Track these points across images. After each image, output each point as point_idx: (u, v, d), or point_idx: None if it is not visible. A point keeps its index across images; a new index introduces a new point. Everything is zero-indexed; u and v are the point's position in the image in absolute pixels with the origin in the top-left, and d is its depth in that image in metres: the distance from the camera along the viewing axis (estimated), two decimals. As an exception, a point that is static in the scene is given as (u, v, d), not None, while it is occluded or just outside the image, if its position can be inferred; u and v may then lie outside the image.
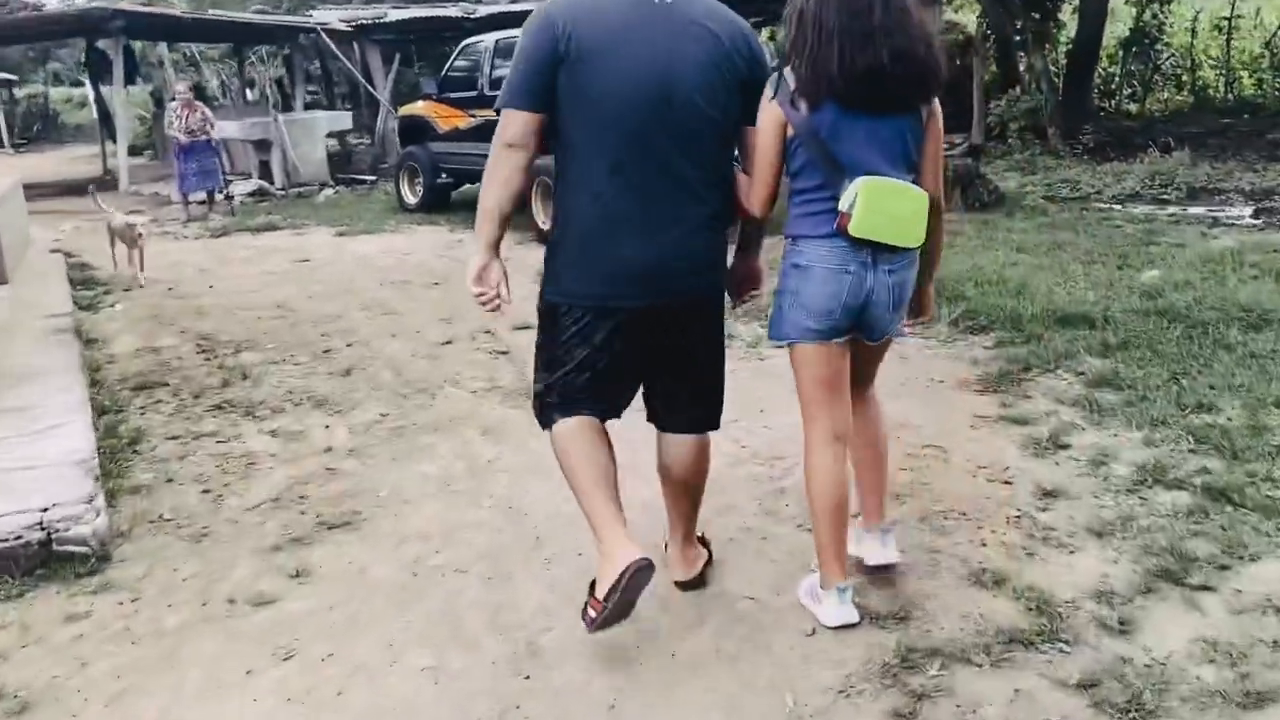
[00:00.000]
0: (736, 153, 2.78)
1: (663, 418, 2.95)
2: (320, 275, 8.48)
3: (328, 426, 4.65)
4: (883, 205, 2.56)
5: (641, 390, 2.94)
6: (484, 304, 2.71)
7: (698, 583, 3.05)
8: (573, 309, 2.72)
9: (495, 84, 9.80)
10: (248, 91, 21.64)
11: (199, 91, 16.24)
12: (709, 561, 3.13)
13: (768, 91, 2.65)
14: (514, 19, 13.98)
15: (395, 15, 16.37)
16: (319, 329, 6.51)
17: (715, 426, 2.97)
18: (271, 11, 19.96)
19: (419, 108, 11.93)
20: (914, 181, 2.66)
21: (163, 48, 21.32)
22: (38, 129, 33.48)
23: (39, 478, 3.64)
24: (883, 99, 2.58)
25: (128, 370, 5.65)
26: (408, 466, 4.14)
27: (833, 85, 2.54)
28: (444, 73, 11.69)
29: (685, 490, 2.99)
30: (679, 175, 2.64)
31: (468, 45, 11.50)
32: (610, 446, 2.81)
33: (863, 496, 3.06)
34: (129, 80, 17.08)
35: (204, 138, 12.29)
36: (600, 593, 2.61)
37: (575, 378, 2.76)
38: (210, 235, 11.07)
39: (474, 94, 10.61)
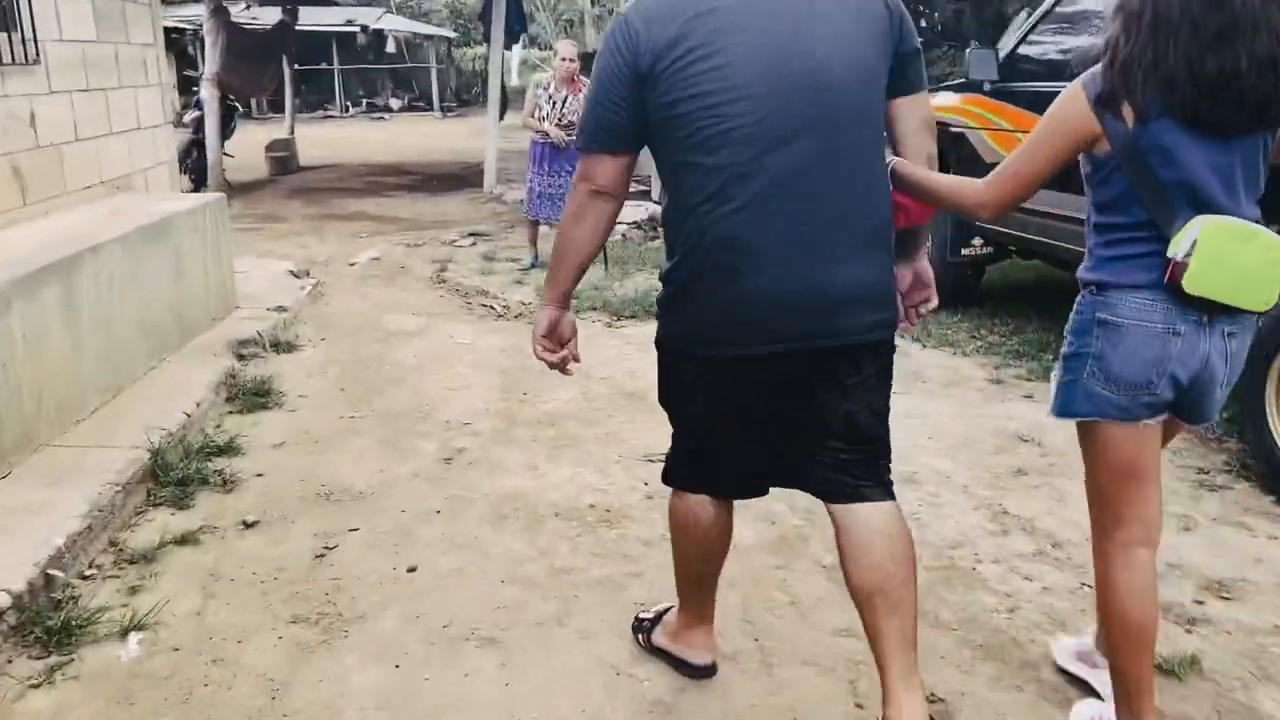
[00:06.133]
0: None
1: (828, 483, 2.27)
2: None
3: None
4: (1227, 256, 1.98)
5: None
6: (553, 366, 2.42)
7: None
8: (693, 356, 2.24)
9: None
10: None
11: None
12: None
13: (1075, 91, 2.05)
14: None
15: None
16: None
17: (890, 495, 2.29)
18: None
19: (950, 104, 6.14)
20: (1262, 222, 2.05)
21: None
22: (476, 91, 31.69)
23: None
24: (1236, 116, 1.96)
25: None
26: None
27: (1174, 95, 1.95)
28: (1014, 47, 5.85)
29: (889, 599, 2.18)
30: (829, 183, 2.06)
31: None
32: (729, 535, 2.49)
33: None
34: (512, 38, 12.91)
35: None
36: (659, 643, 2.70)
37: (700, 443, 2.35)
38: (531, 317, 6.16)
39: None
